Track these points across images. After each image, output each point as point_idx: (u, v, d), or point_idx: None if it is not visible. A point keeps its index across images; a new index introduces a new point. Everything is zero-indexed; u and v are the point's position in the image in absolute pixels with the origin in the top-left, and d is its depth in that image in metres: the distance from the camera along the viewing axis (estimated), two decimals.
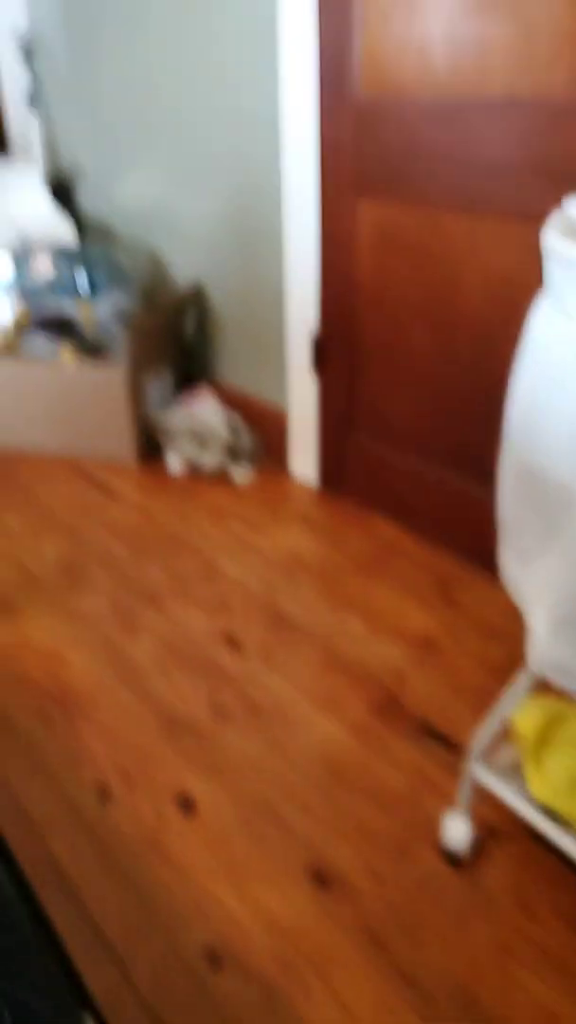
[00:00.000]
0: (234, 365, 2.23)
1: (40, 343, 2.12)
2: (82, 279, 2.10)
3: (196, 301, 2.26)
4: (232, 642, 1.51)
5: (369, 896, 1.03)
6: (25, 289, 2.10)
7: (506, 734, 1.04)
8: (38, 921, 0.67)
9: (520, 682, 0.93)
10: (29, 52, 2.52)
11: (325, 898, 1.03)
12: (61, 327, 2.09)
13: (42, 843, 1.11)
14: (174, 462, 2.16)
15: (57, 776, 1.22)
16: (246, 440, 2.16)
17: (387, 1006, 0.90)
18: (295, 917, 1.00)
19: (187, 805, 1.17)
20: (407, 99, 1.47)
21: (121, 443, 2.17)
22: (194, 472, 2.15)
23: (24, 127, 2.65)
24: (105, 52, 2.22)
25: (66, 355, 2.10)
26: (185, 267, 2.27)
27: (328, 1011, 0.90)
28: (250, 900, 1.02)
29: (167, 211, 2.25)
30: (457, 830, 1.06)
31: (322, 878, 1.05)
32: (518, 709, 1.01)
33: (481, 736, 0.99)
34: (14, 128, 2.69)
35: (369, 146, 1.58)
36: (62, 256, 2.12)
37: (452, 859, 1.07)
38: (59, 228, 2.35)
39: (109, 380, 2.09)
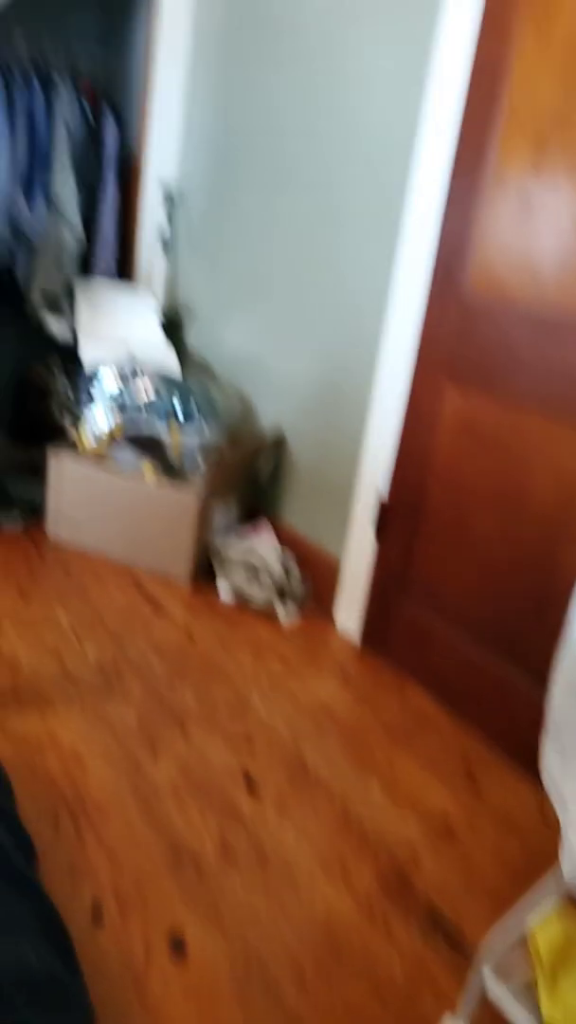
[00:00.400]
0: (299, 509, 2.32)
1: (127, 456, 2.24)
2: (177, 406, 2.25)
3: (276, 445, 2.39)
4: (250, 782, 1.49)
5: None
6: (124, 405, 2.25)
7: (521, 944, 0.99)
8: None
9: (543, 890, 0.90)
10: (171, 199, 2.83)
11: None
12: (149, 446, 2.22)
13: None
14: (225, 589, 2.21)
15: (55, 887, 1.20)
16: (297, 582, 2.21)
17: None
18: None
19: (178, 946, 1.13)
20: (510, 304, 1.61)
21: (179, 562, 2.24)
22: (242, 603, 2.20)
23: (152, 263, 2.93)
24: (237, 210, 2.49)
25: (148, 471, 2.22)
26: (271, 413, 2.42)
27: None
28: None
29: (263, 360, 2.43)
30: None
31: None
32: (538, 921, 0.98)
33: (493, 943, 0.95)
34: (143, 263, 2.98)
35: (467, 340, 1.71)
36: (163, 382, 2.28)
37: None
38: (166, 357, 2.55)
39: (181, 501, 2.19)
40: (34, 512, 2.51)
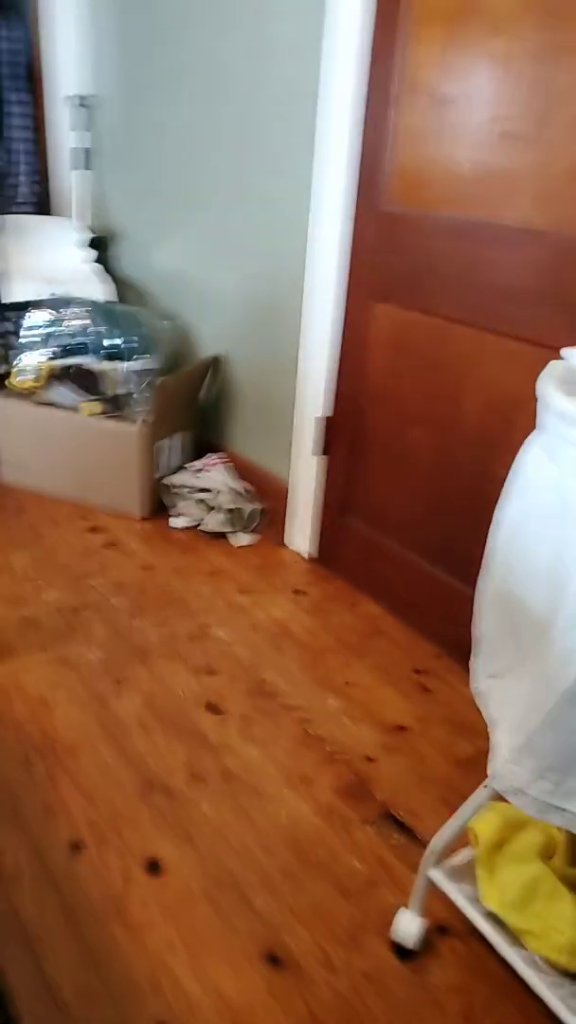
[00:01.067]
0: (245, 436, 2.32)
1: (64, 393, 2.21)
2: (112, 337, 2.20)
3: (215, 370, 2.36)
4: (213, 708, 1.56)
5: (319, 983, 1.06)
6: (55, 339, 2.20)
7: (465, 835, 1.08)
8: None
9: (478, 795, 0.98)
10: (85, 112, 2.67)
11: (276, 980, 1.06)
12: (87, 380, 2.18)
13: (6, 894, 1.15)
14: (178, 521, 2.23)
15: (31, 826, 1.26)
16: (248, 507, 2.23)
17: None
18: (245, 997, 1.04)
19: (154, 868, 1.21)
20: (431, 212, 1.58)
21: (130, 497, 2.24)
22: (196, 533, 2.22)
23: (71, 187, 2.79)
24: (155, 122, 2.36)
25: (87, 407, 2.19)
26: (208, 337, 2.38)
27: None
28: (203, 976, 1.06)
29: (196, 281, 2.36)
30: (408, 925, 1.10)
31: (276, 959, 1.09)
32: (477, 814, 1.06)
33: (438, 839, 1.03)
34: (61, 187, 2.83)
35: (391, 253, 1.68)
36: (95, 312, 2.22)
37: (402, 953, 1.11)
38: (96, 285, 2.47)
39: (125, 436, 2.17)
40: None
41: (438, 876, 1.05)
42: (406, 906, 1.12)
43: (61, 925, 1.11)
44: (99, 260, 2.63)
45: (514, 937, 0.99)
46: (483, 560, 0.94)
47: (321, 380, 1.94)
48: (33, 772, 1.37)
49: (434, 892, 1.17)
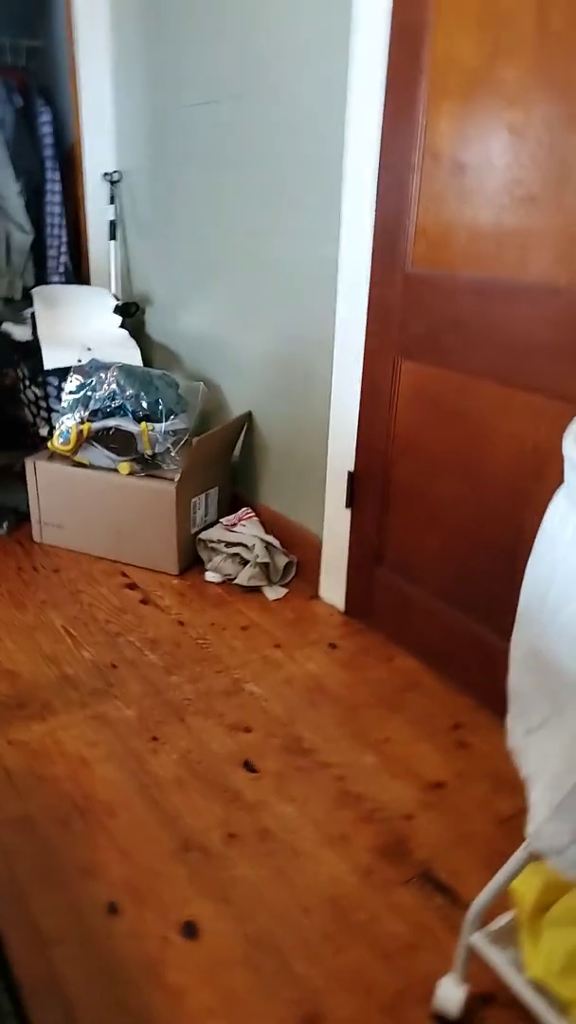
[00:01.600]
0: (276, 491, 2.36)
1: (100, 454, 2.27)
2: (143, 398, 2.26)
3: (246, 429, 2.42)
4: (249, 765, 1.56)
5: None
6: (90, 403, 2.27)
7: (508, 897, 1.06)
8: None
9: (518, 857, 0.97)
10: (114, 185, 2.80)
11: None
12: (121, 442, 2.24)
13: (44, 955, 1.15)
14: (213, 576, 2.26)
15: (70, 886, 1.27)
16: (281, 561, 2.25)
17: None
18: None
19: (191, 931, 1.20)
20: (453, 273, 1.62)
21: (166, 553, 2.28)
22: (230, 588, 2.25)
23: (104, 256, 2.91)
24: (181, 195, 2.47)
25: (123, 467, 2.25)
26: (238, 396, 2.44)
27: None
28: None
29: (225, 343, 2.44)
30: (450, 994, 1.07)
31: None
32: (519, 876, 1.04)
33: (478, 904, 1.02)
34: (95, 256, 2.96)
35: (415, 312, 1.73)
36: (127, 376, 2.30)
37: (445, 1023, 1.08)
38: (127, 350, 2.56)
39: (161, 494, 2.22)
40: (19, 518, 2.55)
41: (480, 942, 1.03)
42: (448, 972, 1.09)
43: (98, 989, 1.11)
44: (129, 325, 2.73)
45: (561, 1006, 0.96)
46: (516, 613, 0.95)
47: (352, 435, 1.97)
48: (72, 831, 1.38)
49: (477, 958, 1.14)
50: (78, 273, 3.04)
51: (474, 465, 1.67)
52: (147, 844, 1.36)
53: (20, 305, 2.72)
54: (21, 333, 2.58)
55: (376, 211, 1.77)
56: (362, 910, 1.25)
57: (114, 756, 1.57)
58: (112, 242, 2.83)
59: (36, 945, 1.17)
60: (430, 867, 1.34)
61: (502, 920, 1.07)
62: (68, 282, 2.97)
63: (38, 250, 2.98)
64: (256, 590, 2.22)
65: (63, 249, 2.96)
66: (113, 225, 2.83)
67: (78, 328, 2.57)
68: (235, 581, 2.23)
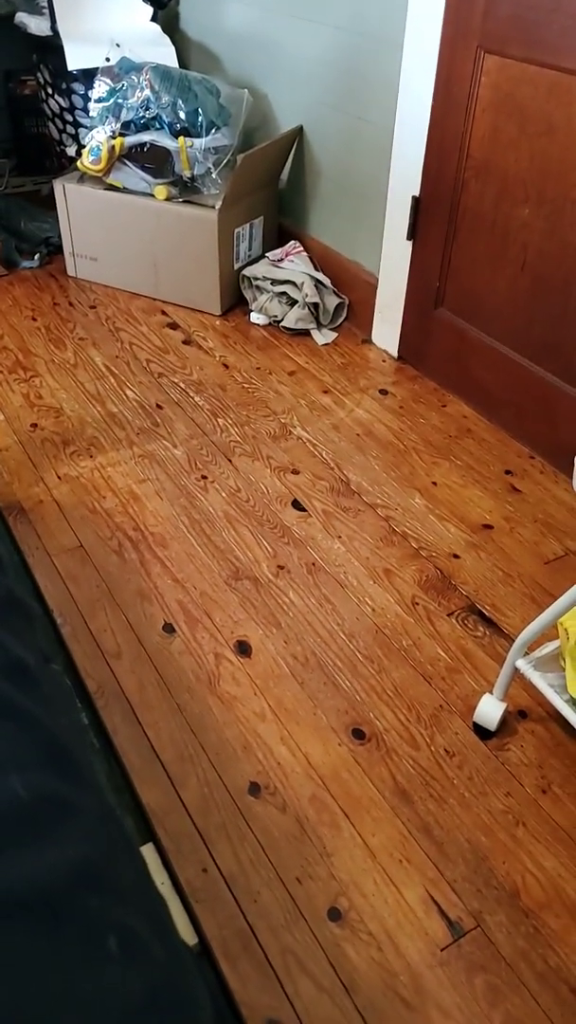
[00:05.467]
0: (328, 222, 2.14)
1: (133, 176, 2.06)
2: (180, 107, 2.00)
3: (297, 146, 2.15)
4: (297, 504, 1.56)
5: (401, 756, 1.13)
6: (121, 112, 2.01)
7: (553, 628, 1.08)
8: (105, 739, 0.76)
9: (574, 590, 0.96)
10: None
11: (361, 752, 1.13)
12: (157, 160, 2.01)
13: (107, 668, 1.23)
14: (258, 317, 2.14)
15: (127, 608, 1.33)
16: (332, 302, 2.11)
17: (405, 852, 1.01)
18: (332, 765, 1.11)
19: (244, 649, 1.27)
20: None
21: (209, 291, 2.14)
22: (277, 329, 2.13)
23: None
24: None
25: (160, 190, 2.05)
26: (287, 108, 2.13)
27: (352, 848, 1.02)
28: (292, 744, 1.13)
29: (273, 43, 2.08)
30: (491, 709, 1.13)
31: (360, 733, 1.15)
32: (570, 611, 1.05)
33: (529, 631, 1.03)
34: None
35: None
36: (162, 80, 2.01)
37: (482, 734, 1.15)
38: (162, 49, 2.22)
39: (203, 223, 2.03)
40: (50, 250, 2.39)
41: (524, 665, 1.06)
42: (489, 692, 1.15)
43: (159, 697, 1.19)
44: (161, 19, 2.34)
45: None
46: None
47: (419, 153, 1.73)
48: (126, 560, 1.42)
49: (516, 683, 1.20)
50: None
51: (559, 190, 1.47)
52: (199, 573, 1.40)
53: None
54: (38, 26, 2.23)
55: None
56: (406, 637, 1.30)
57: (164, 492, 1.58)
58: None
59: (97, 657, 1.25)
60: (474, 601, 1.37)
61: (544, 649, 1.10)
62: None
63: None
64: (304, 333, 2.11)
65: None
66: None
67: (103, 20, 2.21)
68: (282, 323, 2.11)
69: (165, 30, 2.31)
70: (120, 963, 0.38)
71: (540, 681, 1.05)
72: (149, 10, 2.29)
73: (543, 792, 1.09)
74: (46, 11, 2.23)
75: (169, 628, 1.30)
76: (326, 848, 1.01)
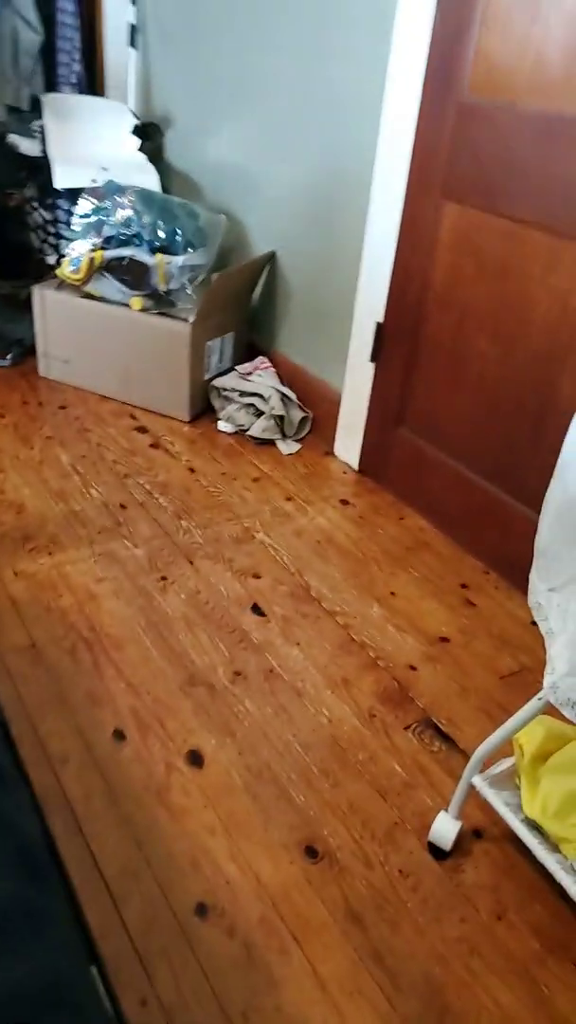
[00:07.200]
0: (296, 340, 2.25)
1: (112, 286, 2.15)
2: (160, 227, 2.11)
3: (269, 269, 2.28)
4: (257, 609, 1.56)
5: (355, 876, 1.09)
6: (103, 227, 2.12)
7: (505, 746, 1.08)
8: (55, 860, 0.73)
9: (530, 707, 0.97)
10: None
11: (313, 871, 1.09)
12: (134, 274, 2.11)
13: (52, 774, 1.19)
14: (225, 425, 2.20)
15: (77, 712, 1.29)
16: (296, 414, 2.19)
17: (356, 982, 0.97)
18: (283, 884, 1.07)
19: (196, 759, 1.23)
20: (512, 106, 1.46)
21: (178, 398, 2.21)
22: (242, 438, 2.19)
23: (121, 68, 2.64)
24: (213, 3, 2.20)
25: (135, 302, 2.13)
26: (261, 234, 2.28)
27: (301, 977, 0.97)
28: (242, 861, 1.09)
29: (251, 173, 2.25)
30: (446, 828, 1.11)
31: (313, 852, 1.12)
32: (523, 727, 1.05)
33: (484, 748, 1.03)
34: (111, 68, 2.69)
35: (465, 149, 1.57)
36: (143, 201, 2.13)
37: (437, 853, 1.13)
38: (145, 173, 2.37)
39: (174, 334, 2.12)
40: (24, 351, 2.45)
41: (480, 783, 1.05)
42: (445, 810, 1.13)
43: (105, 807, 1.15)
44: (148, 149, 2.52)
45: (552, 845, 1.00)
46: (556, 467, 0.90)
47: (384, 283, 1.85)
48: (79, 661, 1.40)
49: (470, 799, 1.19)
50: (92, 84, 2.77)
51: (512, 323, 1.58)
52: (153, 677, 1.38)
53: (28, 117, 2.48)
54: (29, 147, 2.38)
55: (434, 28, 1.57)
56: (362, 750, 1.29)
57: (122, 592, 1.57)
58: (132, 50, 2.56)
59: (43, 763, 1.20)
60: (431, 714, 1.37)
61: (499, 767, 1.10)
62: (81, 93, 2.71)
63: (48, 55, 2.69)
64: (269, 443, 2.17)
65: (76, 55, 2.68)
66: (134, 30, 2.53)
67: (92, 145, 2.36)
68: (248, 432, 2.17)
69: (150, 159, 2.47)
70: None
71: (495, 800, 1.04)
72: (137, 141, 2.45)
73: (498, 919, 1.06)
74: (38, 135, 2.37)
75: (119, 734, 1.26)
76: (274, 977, 0.96)
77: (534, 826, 1.02)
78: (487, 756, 1.04)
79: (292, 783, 1.22)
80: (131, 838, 1.10)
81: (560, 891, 1.09)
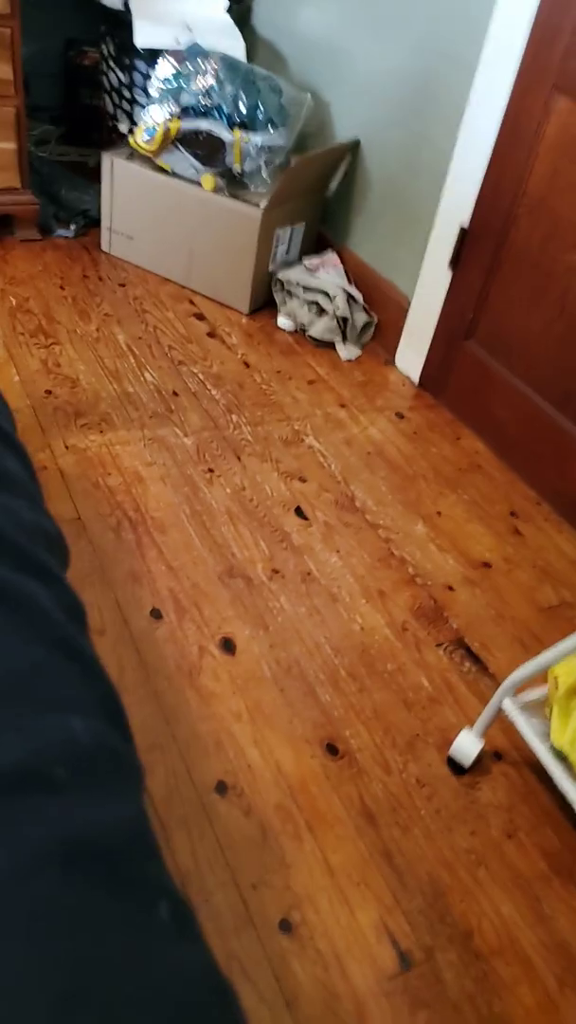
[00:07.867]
0: (369, 238, 2.15)
1: (183, 161, 2.05)
2: (242, 100, 1.99)
3: (350, 160, 2.15)
4: (300, 512, 1.55)
5: (372, 778, 1.11)
6: (181, 95, 2.01)
7: (543, 680, 1.07)
8: None
9: (572, 640, 0.95)
10: None
11: (332, 767, 1.11)
12: (210, 149, 2.01)
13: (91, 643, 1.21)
14: (285, 322, 2.13)
15: (116, 587, 1.31)
16: (361, 319, 2.11)
17: (364, 874, 1.00)
18: (302, 775, 1.10)
19: (228, 646, 1.25)
20: None
21: (238, 287, 2.14)
22: (302, 337, 2.13)
23: None
24: None
25: (207, 180, 2.04)
26: (348, 119, 2.14)
27: (312, 862, 1.00)
28: (265, 749, 1.12)
29: (344, 51, 2.09)
30: (468, 746, 1.12)
31: (333, 749, 1.14)
32: (561, 659, 1.04)
33: (519, 673, 1.03)
34: None
35: None
36: (227, 71, 2.00)
37: (456, 768, 1.14)
38: (231, 41, 2.22)
39: (244, 218, 2.03)
40: (87, 222, 2.37)
41: (510, 706, 1.05)
42: (469, 727, 1.14)
43: (138, 682, 1.17)
44: (236, 12, 2.35)
45: (574, 774, 1.01)
46: None
47: (474, 183, 1.73)
48: (123, 539, 1.40)
49: (495, 724, 1.19)
50: None
51: None
52: (194, 564, 1.39)
53: None
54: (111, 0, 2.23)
55: None
56: (391, 660, 1.29)
57: (169, 478, 1.56)
58: None
59: None
60: (464, 636, 1.36)
61: (530, 695, 1.10)
62: None
63: None
64: (328, 345, 2.11)
65: None
66: None
67: (177, 2, 2.21)
68: (308, 332, 2.10)
69: (237, 23, 2.31)
70: (172, 932, 0.37)
71: (524, 725, 1.04)
72: (225, 1, 2.29)
73: (508, 837, 1.08)
74: None
75: (157, 613, 1.28)
76: (286, 859, 1.00)
77: (560, 757, 1.02)
78: (521, 682, 1.04)
79: (319, 682, 1.23)
80: (160, 714, 1.13)
81: (572, 819, 1.10)
